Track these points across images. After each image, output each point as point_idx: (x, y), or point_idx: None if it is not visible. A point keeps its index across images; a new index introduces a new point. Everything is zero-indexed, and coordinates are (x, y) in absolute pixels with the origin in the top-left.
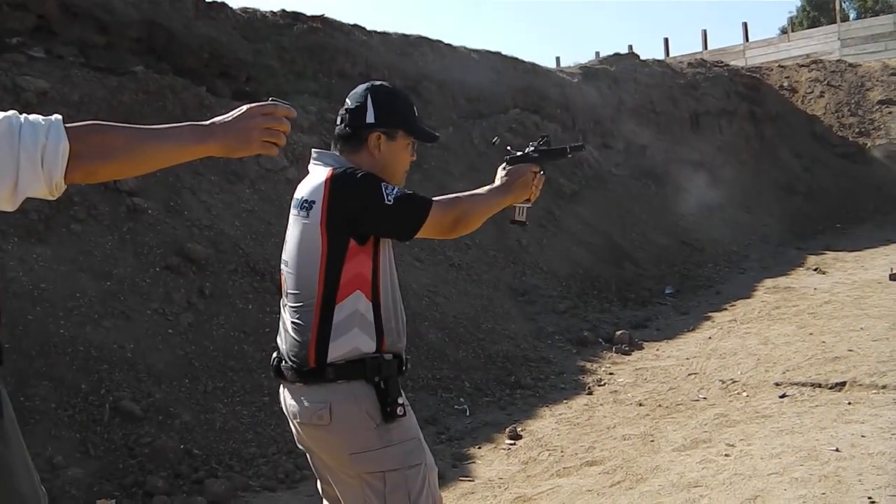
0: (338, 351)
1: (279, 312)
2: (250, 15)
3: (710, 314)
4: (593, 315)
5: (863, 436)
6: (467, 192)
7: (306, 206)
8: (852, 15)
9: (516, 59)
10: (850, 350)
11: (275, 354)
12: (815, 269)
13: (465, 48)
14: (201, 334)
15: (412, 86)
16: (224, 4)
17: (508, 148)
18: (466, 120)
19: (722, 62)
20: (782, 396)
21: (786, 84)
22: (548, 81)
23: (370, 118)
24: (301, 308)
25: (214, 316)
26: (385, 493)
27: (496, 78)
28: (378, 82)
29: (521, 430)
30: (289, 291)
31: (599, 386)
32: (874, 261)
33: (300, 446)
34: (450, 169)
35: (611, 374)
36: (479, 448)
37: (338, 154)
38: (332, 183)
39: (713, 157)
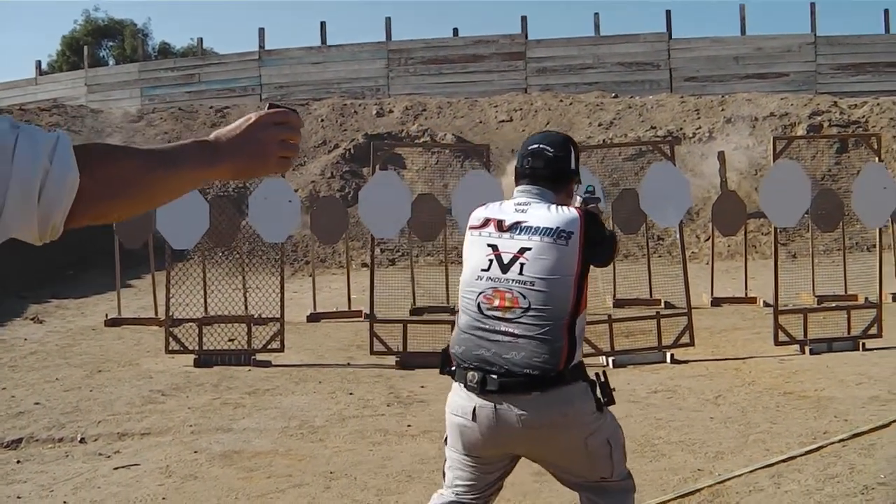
0: (576, 357)
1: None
2: None
3: None
4: None
5: (19, 497)
6: None
7: (563, 235)
8: (112, 62)
9: None
10: (38, 403)
11: (475, 374)
12: (33, 319)
13: None
14: None
15: None
16: None
17: None
18: None
19: None
20: None
21: None
22: None
23: (573, 165)
24: (548, 321)
25: None
26: (612, 453)
27: None
28: (567, 134)
29: None
30: (533, 307)
31: None
32: (97, 306)
33: (494, 454)
34: None
35: None
36: None
37: (550, 193)
38: (587, 220)
39: None
